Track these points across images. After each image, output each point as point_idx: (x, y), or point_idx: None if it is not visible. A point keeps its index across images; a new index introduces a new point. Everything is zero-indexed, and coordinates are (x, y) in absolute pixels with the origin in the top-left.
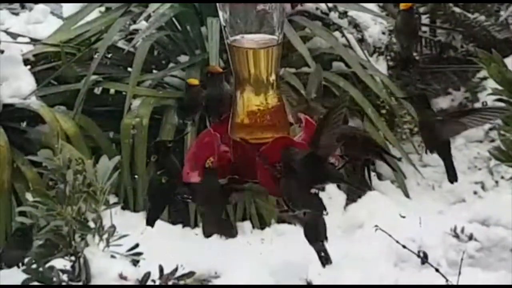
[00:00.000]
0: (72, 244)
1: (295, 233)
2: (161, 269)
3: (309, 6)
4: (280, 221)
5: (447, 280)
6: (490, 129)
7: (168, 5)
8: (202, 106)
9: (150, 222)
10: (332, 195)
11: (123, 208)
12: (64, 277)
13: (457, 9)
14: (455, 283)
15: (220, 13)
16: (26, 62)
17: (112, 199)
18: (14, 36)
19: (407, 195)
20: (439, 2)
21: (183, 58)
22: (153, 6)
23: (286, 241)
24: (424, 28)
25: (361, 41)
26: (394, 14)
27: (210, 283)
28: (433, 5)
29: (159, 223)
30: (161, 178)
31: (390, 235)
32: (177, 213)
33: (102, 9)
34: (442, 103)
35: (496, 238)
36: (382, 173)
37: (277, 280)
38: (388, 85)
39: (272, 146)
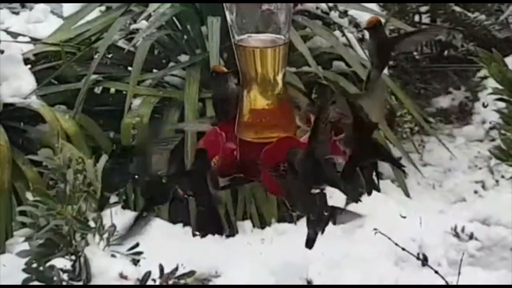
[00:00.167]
0: (73, 243)
1: (295, 232)
2: (161, 268)
3: (310, 6)
4: (281, 220)
5: (446, 282)
6: (491, 128)
7: (168, 4)
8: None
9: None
10: (332, 194)
11: (123, 207)
12: (65, 276)
13: (457, 8)
14: (455, 283)
15: (227, 13)
16: (26, 61)
17: (113, 198)
18: (14, 35)
19: (407, 195)
20: (440, 2)
21: (184, 58)
22: (153, 6)
23: (287, 240)
24: (424, 27)
25: (362, 40)
26: (395, 13)
27: (210, 282)
28: (434, 4)
29: (159, 222)
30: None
31: (389, 238)
32: (178, 213)
33: (102, 8)
34: (443, 102)
35: (496, 237)
36: (382, 172)
37: (278, 279)
38: (388, 85)
39: (276, 146)
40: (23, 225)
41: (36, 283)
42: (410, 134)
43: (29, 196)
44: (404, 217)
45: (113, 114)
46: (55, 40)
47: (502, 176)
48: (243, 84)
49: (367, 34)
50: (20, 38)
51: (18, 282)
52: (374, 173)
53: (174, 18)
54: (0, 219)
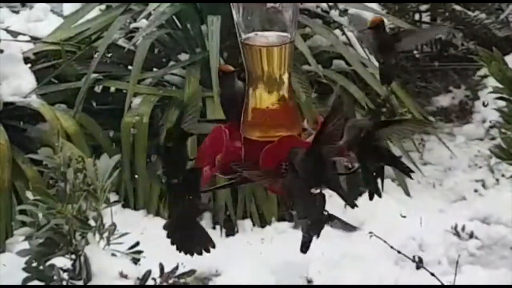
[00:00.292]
0: (73, 242)
1: (295, 231)
2: (161, 267)
3: (310, 4)
4: (281, 219)
5: (442, 284)
6: (491, 127)
7: (168, 3)
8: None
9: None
10: (332, 193)
11: (123, 206)
12: (65, 275)
13: (457, 7)
14: (452, 283)
15: (233, 11)
16: (26, 60)
17: (113, 197)
18: (14, 34)
19: (407, 194)
20: (440, 2)
21: (184, 56)
22: (153, 4)
23: (287, 239)
24: (424, 26)
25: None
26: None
27: (210, 282)
28: (434, 3)
29: (159, 221)
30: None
31: (385, 241)
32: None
33: (103, 7)
34: (443, 101)
35: (496, 236)
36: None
37: (278, 278)
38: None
39: (277, 145)
40: (23, 224)
41: (36, 282)
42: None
43: (29, 195)
44: (404, 217)
45: (113, 113)
46: (55, 39)
47: (503, 175)
48: (249, 82)
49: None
50: (20, 37)
51: (18, 281)
52: (378, 178)
53: (174, 17)
54: (0, 218)
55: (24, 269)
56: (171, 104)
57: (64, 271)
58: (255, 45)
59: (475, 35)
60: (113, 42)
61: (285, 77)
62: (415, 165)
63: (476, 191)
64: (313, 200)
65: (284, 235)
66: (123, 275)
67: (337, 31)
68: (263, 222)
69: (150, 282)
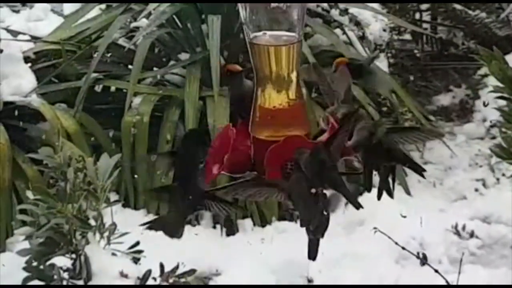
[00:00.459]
0: (73, 242)
1: (296, 230)
2: (162, 267)
3: (310, 4)
4: (281, 218)
5: (446, 282)
6: (491, 126)
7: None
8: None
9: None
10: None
11: (123, 205)
12: (65, 275)
13: (458, 6)
14: (455, 282)
15: (240, 11)
16: (26, 59)
17: (113, 197)
18: (14, 33)
19: (408, 193)
20: (441, 2)
21: (184, 56)
22: (153, 4)
23: (287, 239)
24: (425, 25)
25: (362, 38)
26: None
27: (211, 281)
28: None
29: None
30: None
31: (389, 237)
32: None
33: (103, 6)
34: (443, 100)
35: (497, 235)
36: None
37: (278, 277)
38: (389, 82)
39: (282, 145)
40: (24, 223)
41: (36, 281)
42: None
43: (30, 194)
44: (405, 217)
45: (113, 113)
46: (55, 39)
47: (503, 174)
48: (257, 82)
49: (367, 32)
50: (20, 37)
51: (19, 280)
52: (389, 178)
53: (174, 16)
54: (0, 217)
55: (24, 268)
56: (172, 104)
57: (65, 270)
58: (263, 44)
59: (476, 34)
60: (113, 41)
61: (293, 76)
62: None
63: (476, 190)
64: (316, 200)
65: (284, 234)
66: (123, 275)
67: (338, 31)
68: (263, 222)
69: (150, 281)
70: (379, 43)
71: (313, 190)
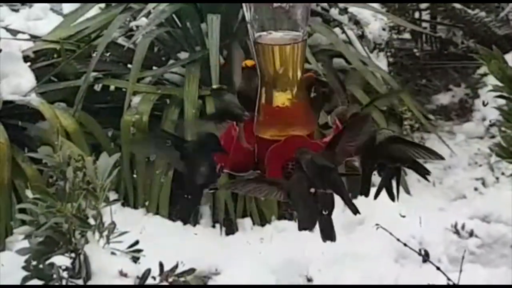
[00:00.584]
0: (72, 241)
1: (295, 230)
2: (161, 266)
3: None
4: (281, 217)
5: (448, 279)
6: (491, 125)
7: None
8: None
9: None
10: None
11: (123, 205)
12: (64, 274)
13: (457, 5)
14: (456, 281)
15: (245, 10)
16: (26, 59)
17: (112, 196)
18: (14, 32)
19: (407, 192)
20: (441, 2)
21: (183, 55)
22: (152, 3)
23: (287, 238)
24: (424, 24)
25: (362, 37)
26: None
27: (210, 280)
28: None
29: (159, 220)
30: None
31: (391, 233)
32: (178, 210)
33: (102, 5)
34: (443, 99)
35: (497, 235)
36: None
37: (278, 276)
38: (388, 81)
39: (283, 145)
40: (23, 222)
41: (35, 280)
42: (410, 131)
43: (29, 193)
44: (404, 217)
45: (112, 112)
46: (54, 38)
47: (502, 173)
48: (262, 82)
49: (366, 31)
50: (19, 36)
51: (18, 279)
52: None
53: (173, 16)
54: (0, 216)
55: (23, 267)
56: (171, 103)
57: (64, 269)
58: (267, 44)
59: (475, 33)
60: (112, 40)
61: (298, 76)
62: None
63: (476, 189)
64: (314, 201)
65: (284, 233)
66: (122, 274)
67: (337, 30)
68: (263, 221)
69: (149, 280)
70: (379, 42)
71: (312, 190)
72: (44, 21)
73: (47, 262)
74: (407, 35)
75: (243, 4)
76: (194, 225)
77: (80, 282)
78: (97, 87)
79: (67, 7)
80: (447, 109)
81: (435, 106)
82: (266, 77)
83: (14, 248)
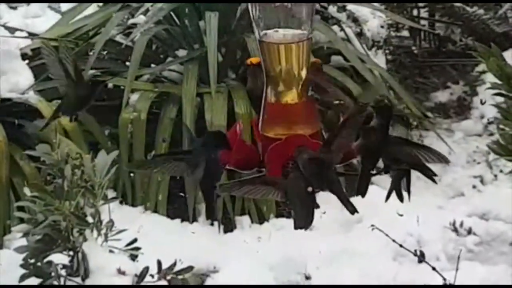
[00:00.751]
0: (70, 239)
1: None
2: (159, 264)
3: None
4: (279, 215)
5: (444, 279)
6: (489, 123)
7: None
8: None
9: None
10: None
11: (121, 202)
12: (62, 272)
13: (456, 3)
14: (452, 279)
15: (250, 9)
16: (24, 56)
17: (110, 193)
18: (12, 30)
19: (406, 190)
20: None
21: (182, 53)
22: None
23: (285, 236)
24: (423, 22)
25: (360, 35)
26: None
27: (209, 278)
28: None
29: (157, 218)
30: None
31: (387, 235)
32: (176, 208)
33: (100, 3)
34: (441, 97)
35: (495, 232)
36: (380, 167)
37: (276, 274)
38: (387, 79)
39: (284, 144)
40: (21, 220)
41: (33, 278)
42: (408, 129)
43: (27, 191)
44: (401, 215)
45: (110, 109)
46: (52, 35)
47: (501, 171)
48: (267, 80)
49: (365, 29)
50: (17, 33)
51: (16, 277)
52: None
53: (172, 13)
54: None
55: (21, 265)
56: (169, 101)
57: (62, 267)
58: (272, 42)
59: (474, 30)
60: (110, 38)
61: (303, 74)
62: None
63: (474, 187)
64: (311, 199)
65: (282, 231)
66: (120, 272)
67: (335, 27)
68: (261, 219)
69: (148, 278)
70: (377, 40)
71: (310, 189)
72: (42, 19)
73: (45, 260)
74: (405, 33)
75: (249, 4)
76: (192, 223)
77: (78, 280)
78: None
79: (65, 5)
80: (446, 106)
81: (433, 104)
82: (271, 75)
83: (12, 246)
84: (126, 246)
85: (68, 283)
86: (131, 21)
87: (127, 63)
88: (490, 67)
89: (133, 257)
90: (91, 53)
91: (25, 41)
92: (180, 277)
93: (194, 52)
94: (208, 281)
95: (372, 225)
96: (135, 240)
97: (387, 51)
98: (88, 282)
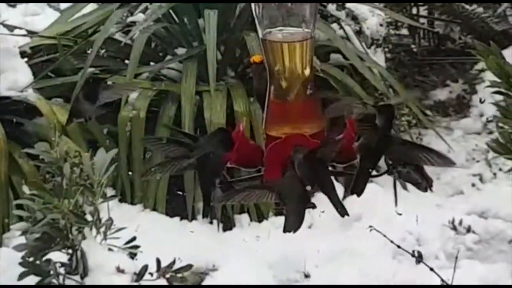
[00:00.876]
0: (69, 237)
1: None
2: (158, 262)
3: None
4: (278, 213)
5: (442, 280)
6: (488, 121)
7: None
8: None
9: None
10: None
11: (120, 201)
12: (61, 270)
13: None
14: (451, 278)
15: (253, 8)
16: (23, 54)
17: (109, 192)
18: (10, 28)
19: (405, 188)
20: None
21: (181, 51)
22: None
23: (284, 234)
24: (422, 20)
25: (359, 33)
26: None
27: (207, 276)
28: None
29: (156, 216)
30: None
31: (384, 235)
32: (175, 206)
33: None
34: (440, 95)
35: (494, 231)
36: (379, 165)
37: (275, 272)
38: (386, 77)
39: (283, 143)
40: (20, 218)
41: (32, 277)
42: (407, 127)
43: (26, 189)
44: (400, 214)
45: (110, 108)
46: (51, 33)
47: (500, 169)
48: (271, 79)
49: (364, 27)
50: (16, 31)
51: (15, 276)
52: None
53: (171, 11)
54: None
55: (20, 264)
56: (168, 99)
57: (61, 266)
58: (276, 41)
59: (473, 28)
60: (109, 36)
61: (307, 73)
62: None
63: (473, 185)
64: (305, 199)
65: (281, 229)
66: (119, 270)
67: (335, 25)
68: (260, 217)
69: (146, 276)
70: (376, 38)
71: (309, 188)
72: (41, 17)
73: (44, 258)
74: (404, 31)
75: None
76: (191, 221)
77: (77, 278)
78: None
79: (64, 3)
80: (445, 104)
81: (433, 102)
82: (275, 74)
83: (11, 244)
84: (125, 244)
85: (67, 281)
86: (130, 19)
87: (126, 61)
88: (489, 65)
89: (132, 255)
90: (89, 51)
91: (24, 39)
92: (179, 275)
93: (193, 50)
94: (207, 280)
95: (370, 226)
96: (134, 238)
97: (386, 49)
98: (87, 280)
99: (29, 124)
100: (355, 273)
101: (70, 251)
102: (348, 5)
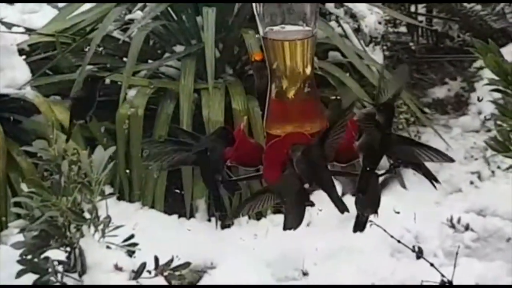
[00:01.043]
0: (67, 234)
1: None
2: (156, 259)
3: None
4: (276, 211)
5: (442, 275)
6: (487, 119)
7: None
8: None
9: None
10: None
11: (118, 198)
12: (59, 268)
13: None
14: (450, 275)
15: (254, 6)
16: (21, 52)
17: (107, 189)
18: (9, 25)
19: (403, 186)
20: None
21: (179, 48)
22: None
23: (282, 232)
24: (420, 18)
25: (358, 31)
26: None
27: (206, 274)
28: None
29: (154, 213)
30: None
31: (384, 230)
32: (173, 204)
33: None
34: (439, 93)
35: (492, 228)
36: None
37: (273, 270)
38: (384, 75)
39: (282, 141)
40: (18, 216)
41: (30, 274)
42: (406, 125)
43: (24, 187)
44: (398, 213)
45: (108, 105)
46: (50, 31)
47: (498, 167)
48: (271, 78)
49: (362, 25)
50: (14, 29)
51: (13, 273)
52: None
53: (169, 9)
54: None
55: (18, 261)
56: (167, 96)
57: (59, 263)
58: (277, 39)
59: (471, 26)
60: (108, 33)
61: (308, 71)
62: None
63: (472, 183)
64: (303, 197)
65: (279, 227)
66: (118, 268)
67: (333, 23)
68: (258, 215)
69: (145, 274)
70: (374, 36)
71: (307, 186)
72: (39, 14)
73: (42, 256)
74: (403, 29)
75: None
76: (189, 219)
77: (75, 276)
78: None
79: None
80: (443, 102)
81: (431, 100)
82: (276, 72)
83: (9, 242)
84: (123, 242)
85: (65, 279)
86: (128, 16)
87: (125, 59)
88: (487, 63)
89: (130, 253)
90: (86, 49)
91: (22, 37)
92: (177, 273)
93: (192, 47)
94: (205, 277)
95: (371, 221)
96: (132, 236)
97: (384, 47)
98: (85, 278)
99: (27, 122)
100: (354, 270)
101: (68, 249)
102: (346, 3)
